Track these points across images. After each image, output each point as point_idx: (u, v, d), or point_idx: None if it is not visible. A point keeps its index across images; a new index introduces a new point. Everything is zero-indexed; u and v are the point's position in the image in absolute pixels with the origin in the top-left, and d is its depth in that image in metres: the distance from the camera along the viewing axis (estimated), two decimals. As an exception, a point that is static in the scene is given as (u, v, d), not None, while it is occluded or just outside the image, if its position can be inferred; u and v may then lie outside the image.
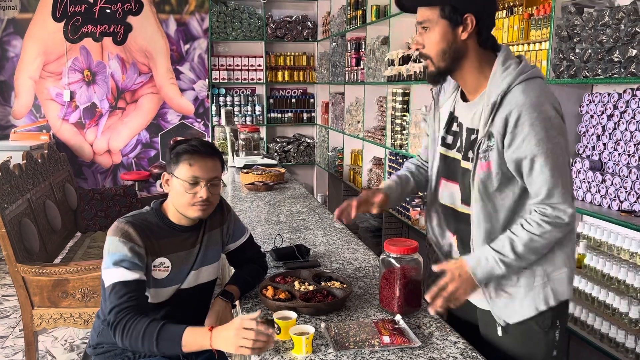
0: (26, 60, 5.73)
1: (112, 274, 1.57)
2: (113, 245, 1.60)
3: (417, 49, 1.52)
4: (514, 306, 1.49)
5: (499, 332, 1.53)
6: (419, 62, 3.61)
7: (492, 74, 1.44)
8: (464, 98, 1.56)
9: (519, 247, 1.41)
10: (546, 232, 1.40)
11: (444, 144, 1.62)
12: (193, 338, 1.47)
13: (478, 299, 1.58)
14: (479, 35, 1.45)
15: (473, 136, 1.50)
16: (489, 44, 1.47)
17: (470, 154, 1.50)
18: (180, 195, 1.67)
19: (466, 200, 1.54)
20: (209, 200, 1.68)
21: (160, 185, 6.17)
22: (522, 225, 1.43)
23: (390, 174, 4.20)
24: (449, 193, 1.61)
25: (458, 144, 1.56)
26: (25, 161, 3.25)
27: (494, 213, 1.47)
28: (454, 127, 1.59)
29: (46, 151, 3.74)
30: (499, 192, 1.46)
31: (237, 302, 1.79)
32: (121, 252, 1.58)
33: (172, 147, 1.72)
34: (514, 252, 1.41)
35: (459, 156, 1.56)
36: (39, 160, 3.48)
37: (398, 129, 4.00)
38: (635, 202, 2.08)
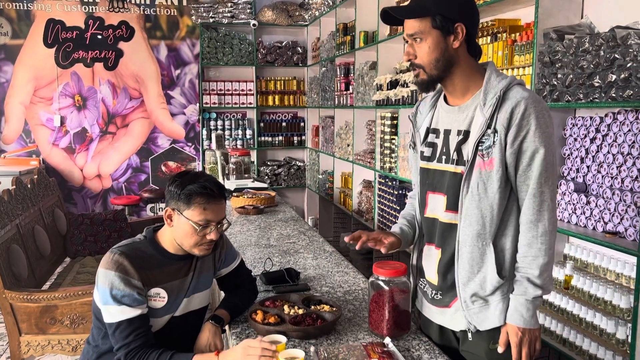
0: (17, 85, 5.75)
1: (115, 312, 1.57)
2: (108, 279, 1.58)
3: (408, 60, 1.55)
4: (487, 313, 1.52)
5: (469, 337, 1.56)
6: (407, 86, 3.68)
7: (487, 78, 1.50)
8: (449, 103, 1.60)
9: (535, 273, 1.46)
10: (539, 241, 1.46)
11: (423, 157, 1.65)
12: None
13: (456, 322, 1.60)
14: (469, 43, 1.52)
15: (460, 138, 1.52)
16: (476, 51, 1.55)
17: (454, 156, 1.53)
18: (189, 236, 1.65)
19: (451, 207, 1.56)
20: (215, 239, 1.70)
21: (151, 210, 6.16)
22: (522, 258, 1.49)
23: (380, 196, 4.23)
24: (433, 205, 1.63)
25: (438, 153, 1.60)
26: (14, 187, 3.24)
27: (488, 213, 1.49)
28: (432, 139, 1.62)
29: (36, 176, 3.73)
30: (500, 190, 1.48)
31: (226, 327, 1.79)
32: (119, 288, 1.57)
33: (180, 185, 1.65)
34: (540, 279, 1.47)
35: (440, 166, 1.58)
36: (29, 186, 3.47)
37: (387, 152, 4.04)
38: (619, 223, 2.11)
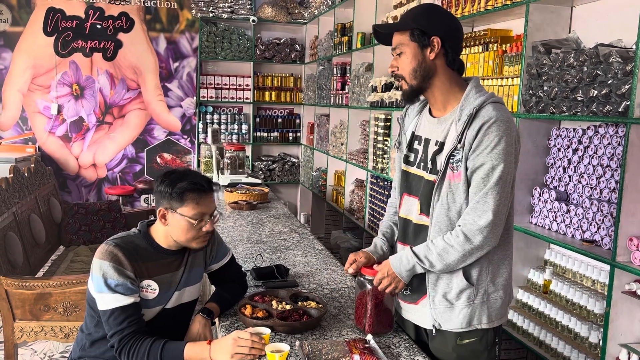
0: (15, 73, 5.78)
1: (109, 300, 1.64)
2: (103, 269, 1.65)
3: (392, 72, 1.68)
4: (451, 314, 1.62)
5: (433, 333, 1.65)
6: (400, 90, 3.75)
7: (466, 94, 1.60)
8: (432, 114, 1.70)
9: (433, 256, 1.57)
10: (460, 246, 1.54)
11: (407, 161, 1.75)
12: (194, 352, 1.60)
13: (423, 319, 1.69)
14: (446, 57, 1.61)
15: (436, 148, 1.63)
16: (455, 65, 1.64)
17: (429, 165, 1.63)
18: (185, 231, 1.72)
19: (424, 211, 1.66)
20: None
21: (145, 201, 6.22)
22: (442, 237, 1.58)
23: (371, 196, 4.31)
24: (408, 207, 1.73)
25: (417, 160, 1.70)
26: (12, 175, 3.29)
27: (456, 220, 1.59)
28: (415, 145, 1.73)
29: (33, 165, 3.79)
30: (466, 201, 1.57)
31: (216, 320, 1.86)
32: (113, 277, 1.64)
33: (170, 184, 1.70)
34: (428, 260, 1.58)
35: (418, 171, 1.69)
36: (26, 174, 3.53)
37: (379, 152, 4.12)
38: (596, 232, 2.20)
